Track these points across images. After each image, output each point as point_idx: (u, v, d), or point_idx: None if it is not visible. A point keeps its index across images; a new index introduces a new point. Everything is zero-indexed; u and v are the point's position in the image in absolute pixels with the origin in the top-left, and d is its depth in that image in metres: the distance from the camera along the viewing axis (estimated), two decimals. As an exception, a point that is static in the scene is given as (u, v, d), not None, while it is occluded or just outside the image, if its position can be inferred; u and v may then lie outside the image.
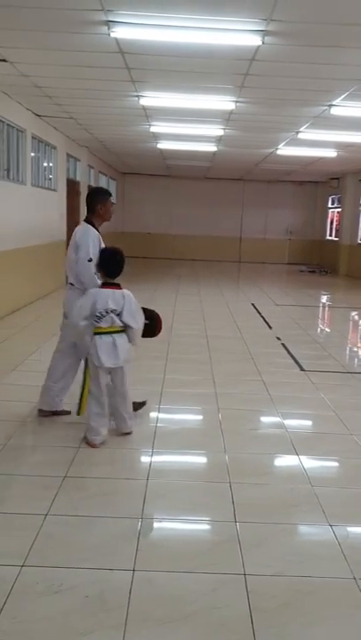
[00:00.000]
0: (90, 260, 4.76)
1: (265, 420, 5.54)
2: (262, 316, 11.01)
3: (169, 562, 3.12)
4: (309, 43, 6.36)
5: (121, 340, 4.59)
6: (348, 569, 3.11)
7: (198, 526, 3.59)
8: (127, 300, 4.57)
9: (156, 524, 3.54)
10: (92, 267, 4.76)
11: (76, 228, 5.01)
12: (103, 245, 4.89)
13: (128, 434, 4.83)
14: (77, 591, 2.84)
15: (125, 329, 4.60)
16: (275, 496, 3.94)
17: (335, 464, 4.63)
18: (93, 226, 4.96)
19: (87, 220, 5.00)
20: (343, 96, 8.65)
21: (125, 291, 4.62)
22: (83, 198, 15.77)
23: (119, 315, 4.54)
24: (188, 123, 11.62)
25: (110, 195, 5.17)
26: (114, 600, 2.78)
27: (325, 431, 5.24)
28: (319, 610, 2.79)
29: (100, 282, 4.71)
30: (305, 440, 4.99)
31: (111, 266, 4.66)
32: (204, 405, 5.75)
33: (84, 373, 4.85)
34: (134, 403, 5.05)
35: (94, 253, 4.77)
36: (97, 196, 5.06)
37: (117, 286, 4.64)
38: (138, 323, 4.63)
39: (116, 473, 4.17)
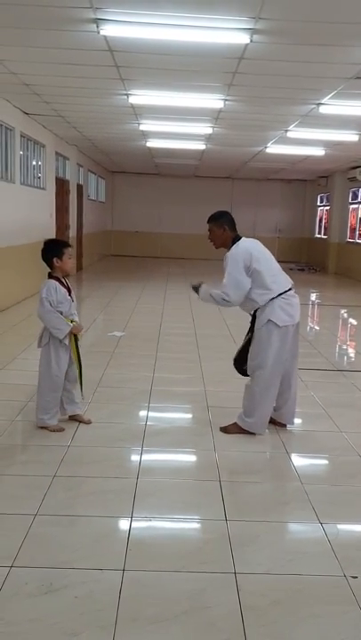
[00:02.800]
0: None
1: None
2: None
3: (159, 561, 3.11)
4: (298, 41, 6.36)
5: None
6: (338, 566, 3.11)
7: (188, 525, 3.58)
8: None
9: (145, 523, 3.52)
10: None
11: None
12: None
13: None
14: (67, 591, 2.82)
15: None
16: (265, 494, 3.94)
17: (325, 462, 4.64)
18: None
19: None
20: (331, 94, 8.67)
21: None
22: (72, 197, 15.81)
23: None
24: (176, 121, 11.61)
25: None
26: (104, 600, 2.77)
27: (315, 429, 5.25)
28: (310, 607, 2.79)
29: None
30: (295, 437, 5.00)
31: None
32: (194, 403, 5.75)
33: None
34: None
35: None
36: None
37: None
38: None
39: (106, 472, 4.14)
